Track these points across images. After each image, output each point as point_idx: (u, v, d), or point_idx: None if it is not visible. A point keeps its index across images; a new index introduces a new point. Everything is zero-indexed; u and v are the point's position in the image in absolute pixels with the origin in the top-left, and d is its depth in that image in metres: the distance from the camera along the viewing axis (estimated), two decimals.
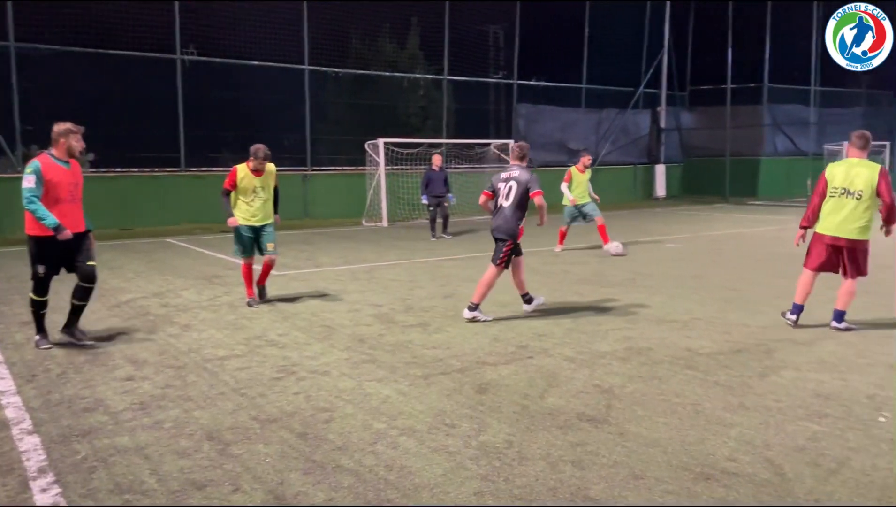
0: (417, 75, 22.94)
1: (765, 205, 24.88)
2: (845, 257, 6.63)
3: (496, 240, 7.36)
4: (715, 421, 4.35)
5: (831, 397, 4.78)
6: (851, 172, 6.52)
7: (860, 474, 3.60)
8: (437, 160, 15.37)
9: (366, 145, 19.31)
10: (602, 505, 3.30)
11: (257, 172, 7.83)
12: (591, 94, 26.99)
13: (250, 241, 8.01)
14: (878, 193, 6.41)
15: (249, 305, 8.07)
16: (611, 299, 8.29)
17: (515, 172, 7.25)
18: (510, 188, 7.20)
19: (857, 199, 6.44)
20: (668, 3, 28.06)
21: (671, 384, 5.08)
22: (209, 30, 18.64)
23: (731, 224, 18.10)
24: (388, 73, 22.13)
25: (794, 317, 6.87)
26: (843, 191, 6.52)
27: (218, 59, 18.81)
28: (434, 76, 23.19)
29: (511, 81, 25.06)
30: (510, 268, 7.46)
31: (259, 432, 4.26)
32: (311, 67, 20.30)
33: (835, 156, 29.79)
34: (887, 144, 27.93)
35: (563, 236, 12.81)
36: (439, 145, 20.64)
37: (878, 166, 6.49)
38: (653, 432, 4.19)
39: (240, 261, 8.29)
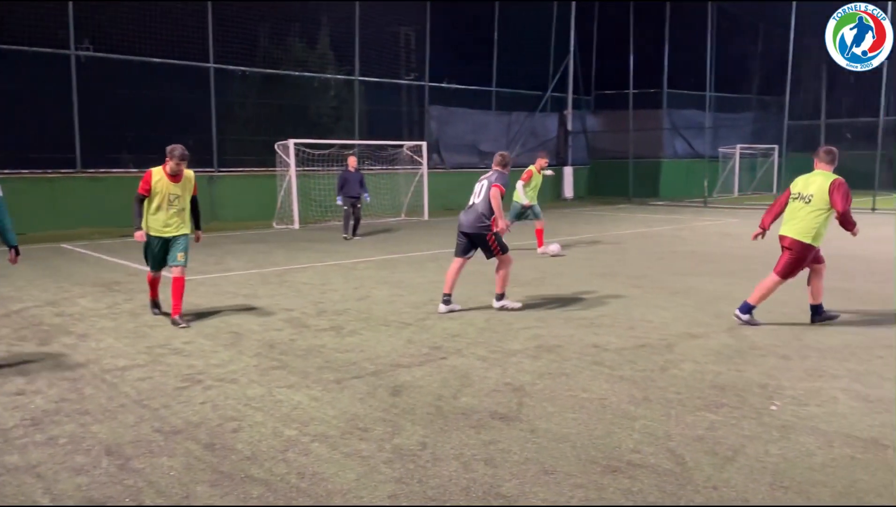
0: (328, 76, 22.69)
1: (665, 205, 25.99)
2: (784, 252, 6.91)
3: (467, 236, 7.72)
4: (620, 415, 4.50)
5: (727, 387, 5.03)
6: (810, 179, 6.83)
7: (754, 460, 3.80)
8: (352, 161, 15.41)
9: (276, 146, 18.91)
10: (513, 504, 3.35)
11: (174, 176, 7.09)
12: (501, 96, 27.48)
13: (160, 254, 7.27)
14: (832, 204, 6.61)
15: (151, 309, 7.67)
16: (522, 298, 8.43)
17: (489, 173, 7.88)
18: (482, 187, 7.75)
19: (807, 202, 6.71)
20: (574, 5, 28.80)
21: (579, 380, 5.23)
22: (106, 25, 17.77)
23: (634, 224, 18.80)
24: (297, 73, 21.77)
25: (816, 318, 7.12)
26: (797, 196, 6.85)
27: (116, 56, 17.95)
28: (345, 77, 22.98)
29: (423, 83, 25.16)
30: (459, 258, 7.82)
31: (163, 444, 4.09)
32: (217, 66, 19.71)
33: (729, 158, 31.58)
34: (776, 146, 29.75)
35: (540, 237, 12.74)
36: (352, 146, 20.47)
37: (833, 177, 6.67)
38: (562, 427, 4.29)
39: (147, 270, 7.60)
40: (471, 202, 7.77)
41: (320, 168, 19.40)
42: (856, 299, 8.13)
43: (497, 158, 8.04)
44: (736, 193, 30.99)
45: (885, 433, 4.16)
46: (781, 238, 6.95)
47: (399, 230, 17.54)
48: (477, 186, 7.82)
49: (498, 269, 7.83)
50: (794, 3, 23.04)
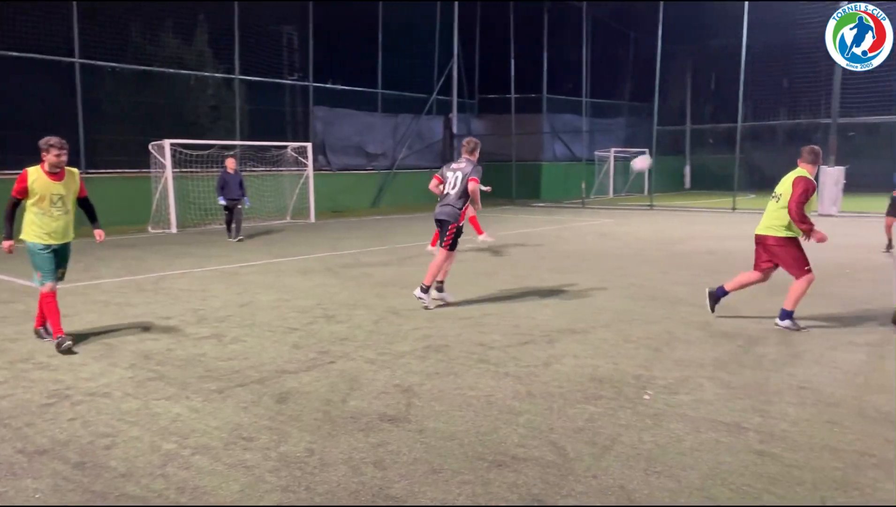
0: (206, 74, 21.84)
1: (546, 206, 26.89)
2: (771, 254, 6.90)
3: (440, 223, 8.02)
4: (506, 410, 4.62)
5: (605, 380, 5.28)
6: (784, 178, 6.87)
7: (629, 448, 4.01)
8: (231, 163, 15.24)
9: (150, 146, 18.01)
10: (402, 505, 3.37)
11: (55, 174, 6.21)
12: (387, 98, 27.48)
13: (50, 262, 6.26)
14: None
15: (61, 347, 6.12)
16: (410, 299, 8.47)
17: (462, 164, 8.05)
18: (456, 178, 7.98)
19: (777, 200, 6.83)
20: (456, 6, 29.11)
21: (466, 379, 5.32)
22: None
23: (518, 224, 19.34)
24: (172, 71, 20.82)
25: (713, 301, 7.33)
26: (773, 195, 6.92)
27: None
28: (224, 75, 22.21)
29: (307, 84, 24.74)
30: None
31: (26, 465, 3.80)
32: (83, 61, 18.51)
33: (604, 161, 33.12)
34: (647, 150, 31.46)
35: (437, 238, 12.74)
36: (233, 147, 19.83)
37: (800, 172, 6.68)
38: (450, 425, 4.35)
39: (38, 286, 6.43)
40: (445, 192, 8.03)
41: (199, 169, 18.66)
42: None
43: (466, 144, 8.19)
44: (611, 195, 32.55)
45: (746, 416, 4.50)
46: (760, 238, 6.98)
47: (284, 233, 17.17)
48: (451, 176, 8.04)
49: (437, 261, 7.99)
50: (661, 7, 24.46)
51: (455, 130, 30.23)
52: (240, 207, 15.15)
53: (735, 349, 6.13)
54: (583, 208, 25.64)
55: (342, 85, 26.12)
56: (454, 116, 30.07)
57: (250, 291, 9.17)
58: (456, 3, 29.03)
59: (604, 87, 33.88)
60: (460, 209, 7.94)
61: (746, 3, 22.43)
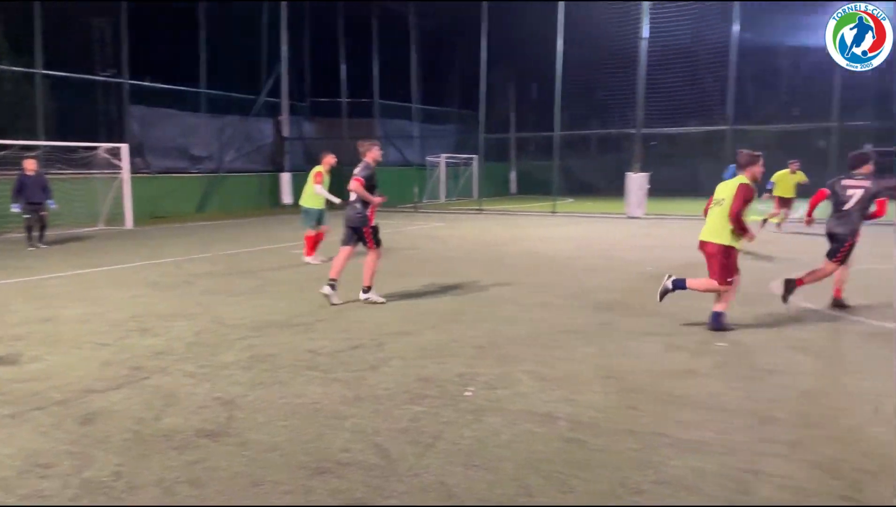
0: (2, 67, 19.71)
1: (380, 210, 26.87)
2: (707, 257, 7.05)
3: (353, 229, 8.25)
4: (332, 416, 4.59)
5: (430, 379, 5.41)
6: (727, 184, 7.01)
7: (450, 444, 4.14)
8: (30, 164, 14.01)
9: None
10: None
11: None
12: (212, 99, 26.34)
13: None
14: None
15: None
16: (237, 308, 8.17)
17: (358, 169, 8.17)
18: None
19: (720, 206, 6.94)
20: (284, 6, 28.44)
21: (293, 387, 5.22)
22: None
23: None
24: None
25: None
26: (717, 201, 7.00)
27: None
28: (24, 69, 20.16)
29: (122, 81, 23.09)
30: (346, 247, 8.34)
31: None
32: None
33: (435, 167, 33.90)
34: (475, 156, 32.62)
35: (319, 241, 12.11)
36: (35, 148, 18.05)
37: (742, 180, 6.83)
38: (273, 436, 4.25)
39: None
40: (350, 198, 8.24)
41: None
42: (541, 291, 9.24)
43: (358, 147, 8.41)
44: (442, 199, 33.38)
45: (558, 407, 4.80)
46: (701, 244, 7.11)
47: (96, 240, 15.88)
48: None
49: (367, 262, 8.24)
50: (484, 11, 25.47)
51: (286, 132, 29.59)
52: (43, 212, 13.89)
53: (552, 344, 6.52)
54: (416, 213, 26.08)
55: (161, 83, 24.67)
56: (285, 118, 29.41)
57: (55, 304, 8.40)
58: (284, 3, 28.40)
59: (434, 94, 34.78)
60: (364, 211, 8.16)
61: (562, 3, 23.76)
